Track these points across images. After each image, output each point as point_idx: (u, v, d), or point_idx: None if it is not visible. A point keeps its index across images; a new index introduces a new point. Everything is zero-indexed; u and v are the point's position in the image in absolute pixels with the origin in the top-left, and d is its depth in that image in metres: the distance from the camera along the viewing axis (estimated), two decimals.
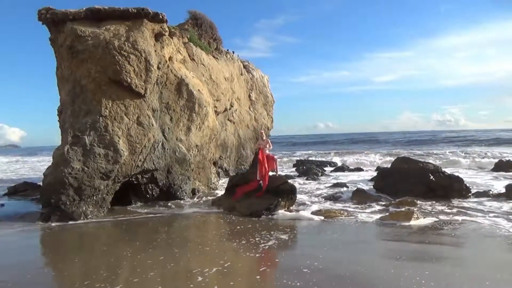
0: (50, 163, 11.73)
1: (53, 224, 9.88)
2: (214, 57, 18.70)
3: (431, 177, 12.58)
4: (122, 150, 11.49)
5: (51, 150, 12.38)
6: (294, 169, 23.63)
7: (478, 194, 12.37)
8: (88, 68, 11.78)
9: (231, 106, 19.56)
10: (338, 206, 11.43)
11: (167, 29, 13.70)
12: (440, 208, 10.79)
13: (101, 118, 11.49)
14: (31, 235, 9.16)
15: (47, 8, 12.13)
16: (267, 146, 12.32)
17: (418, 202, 11.22)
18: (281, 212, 10.66)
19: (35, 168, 32.76)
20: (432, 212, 10.21)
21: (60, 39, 12.26)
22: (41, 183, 12.68)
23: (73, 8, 12.20)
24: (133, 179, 12.49)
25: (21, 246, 8.30)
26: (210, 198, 13.30)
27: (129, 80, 11.95)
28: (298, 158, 29.61)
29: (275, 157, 12.58)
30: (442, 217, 9.62)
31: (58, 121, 12.85)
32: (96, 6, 12.26)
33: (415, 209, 10.28)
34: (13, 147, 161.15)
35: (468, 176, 16.65)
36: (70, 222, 10.06)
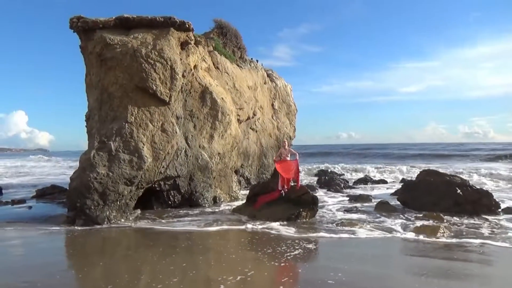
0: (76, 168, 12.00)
1: (77, 228, 10.08)
2: (238, 65, 18.83)
3: (458, 191, 12.19)
4: (146, 156, 11.65)
5: (78, 155, 12.66)
6: (316, 179, 23.41)
7: (508, 210, 11.89)
8: (116, 75, 12.06)
9: (254, 114, 19.60)
10: (362, 218, 11.21)
11: (193, 37, 13.91)
12: (467, 223, 10.43)
13: (126, 124, 11.71)
14: (56, 238, 9.36)
15: (79, 16, 12.52)
16: (289, 155, 12.24)
17: (445, 216, 10.89)
18: (302, 222, 10.56)
19: (63, 172, 33.63)
20: (459, 228, 9.88)
21: (89, 47, 12.61)
22: (68, 187, 12.97)
23: (102, 17, 12.56)
24: (156, 186, 12.63)
25: (46, 248, 8.48)
26: (231, 206, 13.29)
27: (154, 87, 12.16)
28: (320, 168, 29.34)
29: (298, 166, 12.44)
30: (469, 233, 9.29)
31: (86, 126, 13.18)
32: (125, 14, 12.58)
33: (441, 224, 9.98)
34: (42, 151, 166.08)
35: (498, 191, 16.08)
36: (94, 226, 10.22)
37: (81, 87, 13.76)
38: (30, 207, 13.55)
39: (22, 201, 14.90)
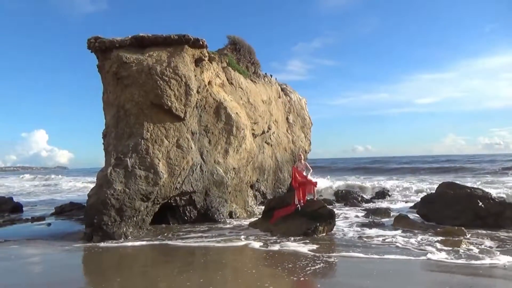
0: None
1: (95, 244, 10.13)
2: (252, 80, 18.95)
3: (480, 203, 11.86)
4: (161, 172, 11.72)
5: (96, 172, 12.82)
6: (332, 192, 23.10)
7: None
8: (132, 92, 12.26)
9: (269, 128, 19.60)
10: (380, 232, 10.98)
11: (207, 54, 14.09)
12: (490, 237, 10.10)
13: (142, 140, 11.84)
14: (74, 255, 9.43)
15: (96, 37, 12.84)
16: (305, 169, 12.17)
17: (466, 230, 10.55)
18: (319, 237, 10.41)
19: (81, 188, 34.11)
20: (482, 242, 9.56)
21: (106, 66, 12.89)
22: (86, 204, 13.11)
23: (119, 37, 12.86)
24: (172, 201, 12.67)
25: (64, 265, 8.53)
26: (247, 221, 13.20)
27: (169, 104, 12.31)
28: (336, 182, 28.96)
29: (313, 180, 12.35)
30: (493, 247, 8.99)
31: (103, 143, 13.38)
32: (141, 34, 12.85)
33: (463, 238, 9.69)
34: (61, 169, 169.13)
35: None
36: (112, 243, 10.27)
37: (99, 105, 14.05)
38: (49, 224, 13.74)
39: (41, 218, 15.13)
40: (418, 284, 6.66)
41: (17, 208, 17.99)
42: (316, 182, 12.20)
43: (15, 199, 19.50)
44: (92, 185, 12.83)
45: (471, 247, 8.86)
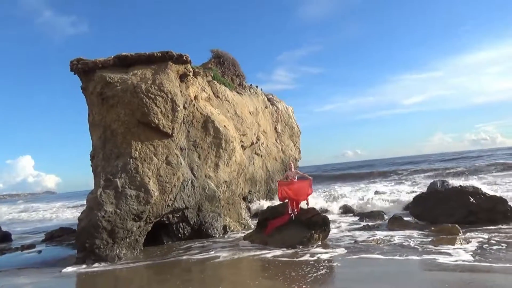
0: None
1: (88, 269, 9.91)
2: (238, 92, 19.01)
3: (472, 199, 11.97)
4: (152, 190, 11.59)
5: (85, 195, 12.61)
6: (324, 199, 23.04)
7: None
8: (118, 112, 12.17)
9: (258, 139, 19.63)
10: (375, 236, 10.98)
11: (191, 69, 14.11)
12: (484, 233, 10.18)
13: (131, 160, 11.72)
14: (67, 281, 9.19)
15: (78, 58, 12.77)
16: (297, 176, 12.15)
17: (460, 227, 10.61)
18: (316, 245, 10.35)
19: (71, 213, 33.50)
20: (477, 238, 9.63)
21: (90, 87, 12.80)
22: (76, 228, 12.86)
23: (101, 57, 12.81)
24: (165, 219, 12.51)
25: None
26: (242, 234, 13.09)
27: (156, 121, 12.24)
28: (331, 189, 29.00)
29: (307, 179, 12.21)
30: (488, 242, 9.05)
31: (91, 165, 13.21)
32: (124, 53, 12.83)
33: (458, 235, 9.74)
34: (49, 194, 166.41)
35: None
36: (105, 266, 10.06)
37: (85, 127, 13.90)
38: (40, 252, 13.42)
39: (31, 246, 14.77)
40: (416, 284, 6.63)
41: (6, 237, 17.56)
42: (311, 180, 12.01)
43: (3, 228, 19.04)
44: (82, 208, 12.61)
45: (466, 243, 8.90)
